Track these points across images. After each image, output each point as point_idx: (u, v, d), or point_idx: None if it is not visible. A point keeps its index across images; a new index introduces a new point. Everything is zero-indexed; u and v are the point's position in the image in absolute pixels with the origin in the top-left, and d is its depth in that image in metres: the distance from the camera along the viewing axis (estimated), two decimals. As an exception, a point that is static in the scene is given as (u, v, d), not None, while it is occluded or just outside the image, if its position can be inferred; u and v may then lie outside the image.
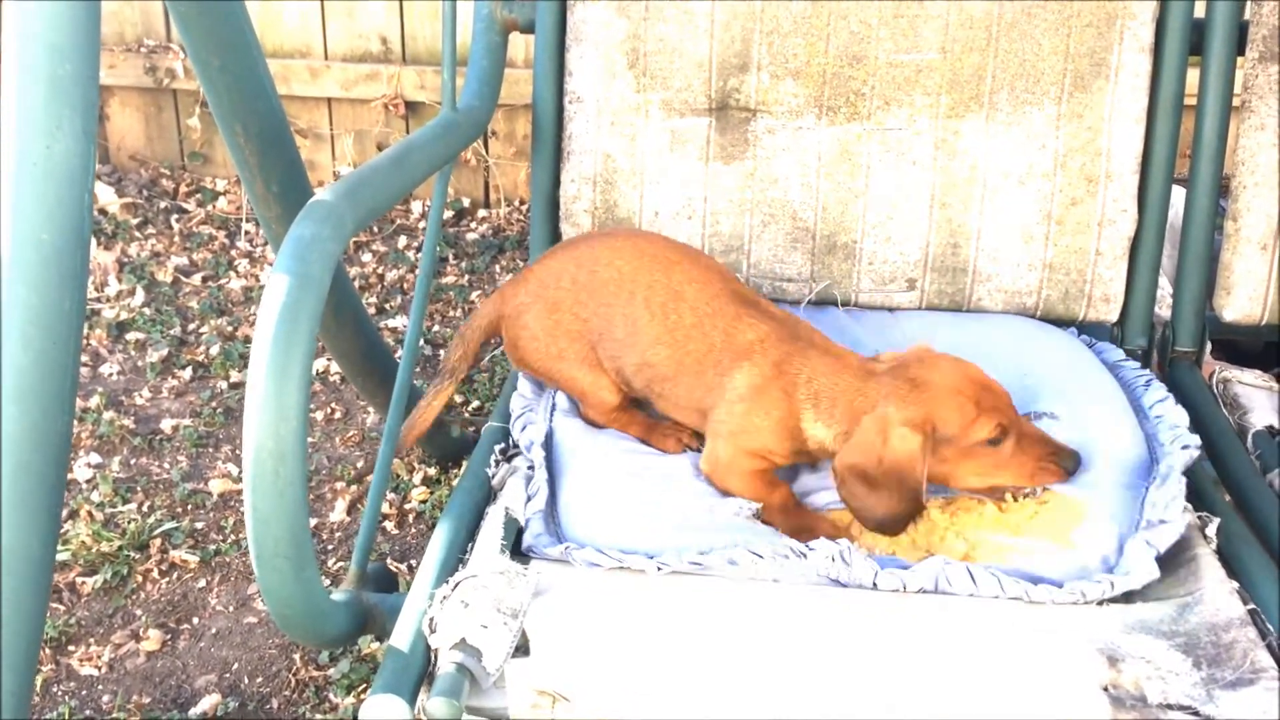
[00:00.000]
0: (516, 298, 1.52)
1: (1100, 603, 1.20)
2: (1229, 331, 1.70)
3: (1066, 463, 1.32)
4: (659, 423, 1.51)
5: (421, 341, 2.71)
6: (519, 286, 1.53)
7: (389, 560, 2.13)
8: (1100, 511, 1.29)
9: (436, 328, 2.81)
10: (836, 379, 1.36)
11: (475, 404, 2.55)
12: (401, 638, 1.13)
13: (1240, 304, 1.67)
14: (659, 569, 1.22)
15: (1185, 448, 1.37)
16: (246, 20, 1.54)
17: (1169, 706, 1.06)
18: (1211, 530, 1.28)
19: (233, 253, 3.08)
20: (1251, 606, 1.17)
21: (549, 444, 1.46)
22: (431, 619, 1.13)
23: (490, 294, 1.56)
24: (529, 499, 1.33)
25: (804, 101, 1.69)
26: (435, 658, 1.11)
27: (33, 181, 1.12)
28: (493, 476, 1.40)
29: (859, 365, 1.37)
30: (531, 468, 1.39)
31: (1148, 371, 1.58)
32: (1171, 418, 1.45)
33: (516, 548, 1.28)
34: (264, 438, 1.04)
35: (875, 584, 1.21)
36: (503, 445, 1.46)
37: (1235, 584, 1.21)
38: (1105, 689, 1.08)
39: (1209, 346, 1.73)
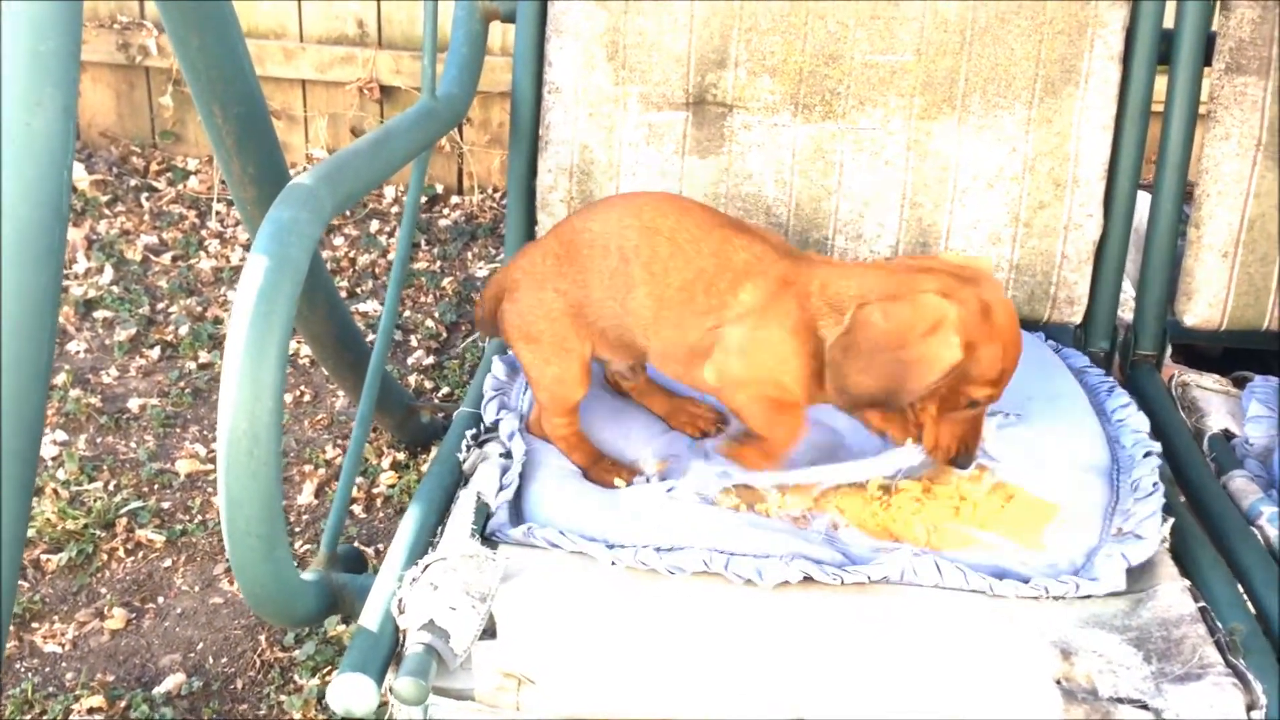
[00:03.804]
0: (512, 274, 1.46)
1: (1056, 597, 1.23)
2: (1189, 336, 1.74)
3: (961, 459, 1.32)
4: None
5: (392, 326, 2.71)
6: (513, 266, 1.47)
7: (356, 543, 2.14)
8: (1072, 516, 1.31)
9: (407, 313, 2.81)
10: (860, 279, 1.28)
11: (445, 390, 2.56)
12: (370, 618, 1.15)
13: (1201, 309, 1.70)
14: (613, 564, 1.23)
15: (1148, 455, 1.40)
16: (227, -1, 1.54)
17: (1119, 700, 1.09)
18: (1165, 529, 1.32)
19: (203, 233, 3.07)
20: (1202, 604, 1.20)
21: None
22: (400, 600, 1.14)
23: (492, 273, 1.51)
24: (501, 488, 1.34)
25: (780, 99, 1.71)
26: (404, 639, 1.12)
27: (12, 157, 1.12)
28: (464, 461, 1.41)
29: (895, 264, 1.29)
30: (507, 455, 1.40)
31: (1111, 378, 1.61)
32: (1133, 423, 1.48)
33: (485, 533, 1.30)
34: (239, 418, 1.04)
35: (842, 580, 1.23)
36: (474, 431, 1.47)
37: (1187, 582, 1.24)
38: (1058, 681, 1.11)
39: (1169, 350, 1.77)
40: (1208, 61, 1.67)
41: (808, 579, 1.22)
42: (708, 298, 1.33)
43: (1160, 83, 1.68)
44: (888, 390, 1.24)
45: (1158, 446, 1.43)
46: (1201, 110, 1.67)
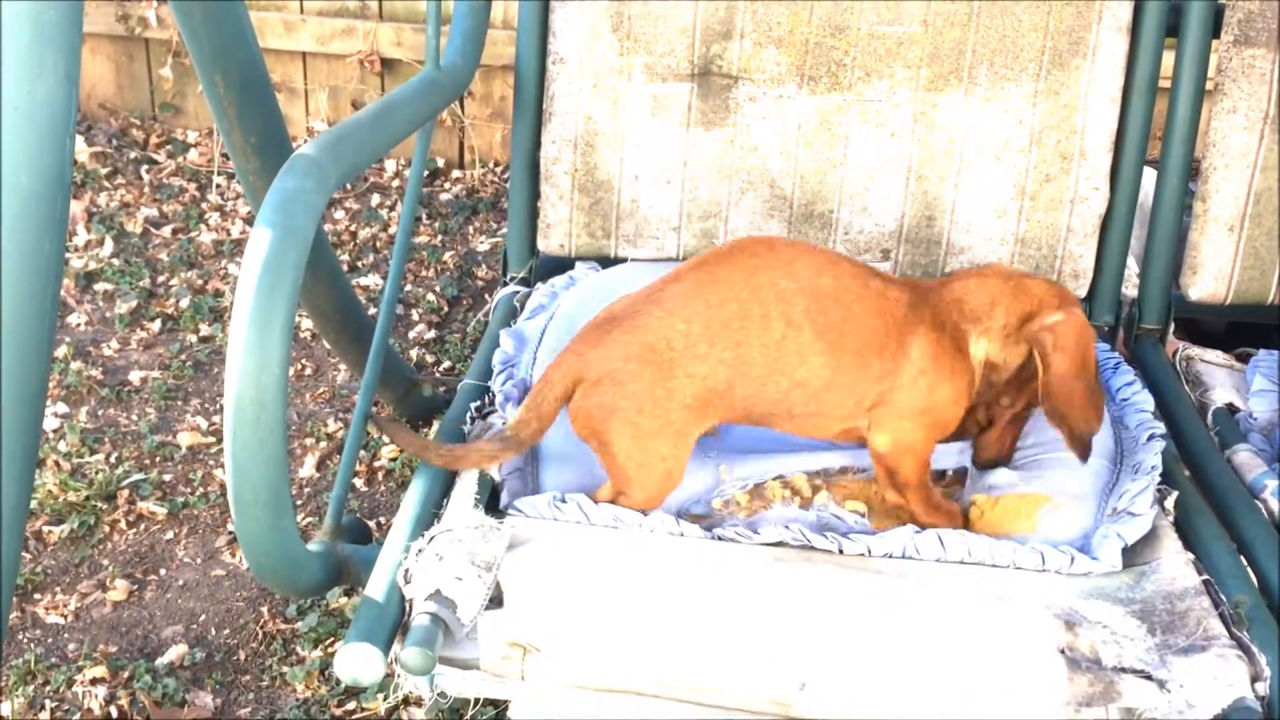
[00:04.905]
0: (610, 362, 1.26)
1: (1056, 570, 1.23)
2: (1194, 310, 1.74)
3: (1005, 457, 1.38)
4: None
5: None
6: (609, 348, 1.27)
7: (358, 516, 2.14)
8: (1067, 501, 1.31)
9: (409, 287, 2.80)
10: (983, 286, 1.33)
11: (446, 364, 2.55)
12: (376, 589, 1.15)
13: (1206, 283, 1.70)
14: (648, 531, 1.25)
15: (1152, 437, 1.40)
16: (229, -31, 1.53)
17: (1123, 670, 1.10)
18: (1169, 503, 1.32)
19: (203, 205, 3.06)
20: (1206, 577, 1.21)
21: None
22: (407, 571, 1.14)
23: (561, 352, 1.31)
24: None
25: (785, 70, 1.70)
26: (410, 609, 1.13)
27: (14, 125, 1.12)
28: (468, 433, 1.41)
29: (1001, 273, 1.35)
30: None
31: (1116, 354, 1.61)
32: (1138, 402, 1.48)
33: (491, 504, 1.29)
34: (245, 387, 1.04)
35: (841, 549, 1.24)
36: (478, 403, 1.47)
37: (1191, 555, 1.24)
38: (1062, 651, 1.11)
39: (1173, 325, 1.76)
40: (1216, 34, 1.66)
41: (809, 548, 1.23)
42: (881, 361, 1.29)
43: (1168, 56, 1.67)
44: (1098, 401, 1.31)
45: (1162, 428, 1.42)
46: (1209, 84, 1.66)
